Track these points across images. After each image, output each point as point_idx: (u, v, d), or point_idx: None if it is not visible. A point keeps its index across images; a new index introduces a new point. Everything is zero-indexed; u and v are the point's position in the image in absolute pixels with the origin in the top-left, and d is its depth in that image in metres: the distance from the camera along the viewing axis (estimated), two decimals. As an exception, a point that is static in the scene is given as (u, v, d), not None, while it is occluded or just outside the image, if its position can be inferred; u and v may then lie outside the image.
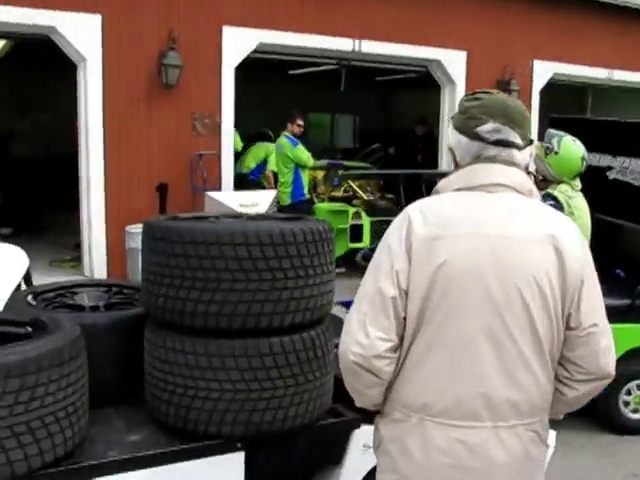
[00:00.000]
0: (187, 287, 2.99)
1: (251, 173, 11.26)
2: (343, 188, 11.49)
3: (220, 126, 9.75)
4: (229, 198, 7.30)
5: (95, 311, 3.60)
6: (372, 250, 2.61)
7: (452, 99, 11.87)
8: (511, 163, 2.27)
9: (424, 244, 2.15)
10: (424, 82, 15.48)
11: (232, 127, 9.93)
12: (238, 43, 9.71)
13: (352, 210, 9.68)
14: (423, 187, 10.79)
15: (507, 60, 12.12)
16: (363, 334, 2.17)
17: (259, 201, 7.35)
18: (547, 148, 5.92)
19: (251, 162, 11.32)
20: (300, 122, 9.85)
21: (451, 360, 2.16)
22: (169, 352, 3.07)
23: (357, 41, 10.65)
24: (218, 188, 9.69)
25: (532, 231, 2.18)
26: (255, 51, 10.04)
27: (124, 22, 8.92)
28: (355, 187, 11.28)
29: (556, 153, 5.85)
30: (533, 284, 2.14)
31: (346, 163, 11.83)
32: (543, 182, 5.93)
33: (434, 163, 12.65)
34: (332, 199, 10.99)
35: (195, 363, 3.00)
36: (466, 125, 2.30)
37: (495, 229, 2.16)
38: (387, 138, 15.65)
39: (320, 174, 11.07)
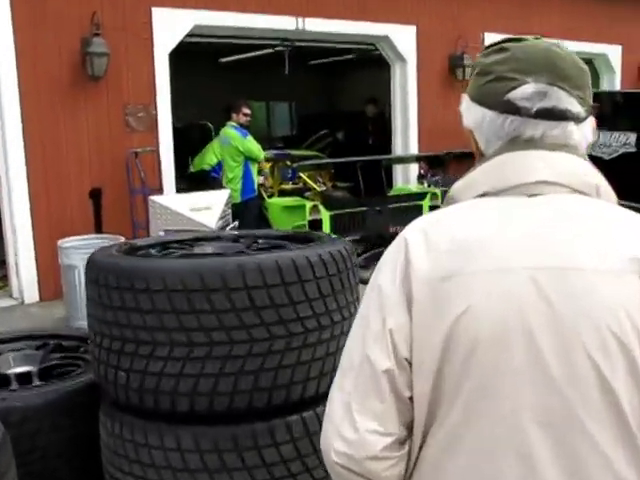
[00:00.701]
0: (162, 357, 2.00)
1: (213, 170, 10.18)
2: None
3: (156, 119, 8.65)
4: (177, 202, 6.27)
5: (25, 384, 2.56)
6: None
7: (403, 77, 11.03)
8: (563, 146, 1.40)
9: (431, 286, 1.33)
10: (366, 62, 14.78)
11: (170, 120, 8.84)
12: (171, 25, 8.62)
13: (309, 204, 8.73)
14: (383, 174, 9.95)
15: (457, 34, 11.31)
16: (348, 425, 1.36)
17: (212, 203, 6.34)
18: None
19: (212, 158, 10.25)
20: (247, 111, 8.92)
21: (484, 458, 1.30)
22: (135, 446, 2.09)
23: (301, 19, 9.66)
24: (159, 189, 8.59)
25: (606, 256, 1.29)
26: (189, 35, 8.96)
27: (38, 5, 7.73)
28: (305, 178, 10.34)
29: None
30: (612, 342, 1.26)
31: (293, 153, 10.87)
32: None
33: (387, 146, 11.81)
34: (282, 193, 10.01)
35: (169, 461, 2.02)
36: (491, 91, 1.43)
37: (545, 257, 1.30)
38: (330, 123, 14.76)
39: (267, 166, 10.07)
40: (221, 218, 6.24)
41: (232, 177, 8.71)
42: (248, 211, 8.73)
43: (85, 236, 7.52)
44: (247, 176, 8.75)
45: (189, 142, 10.71)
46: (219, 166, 10.21)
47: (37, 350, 2.90)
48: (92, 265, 2.18)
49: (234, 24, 9.13)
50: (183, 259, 2.07)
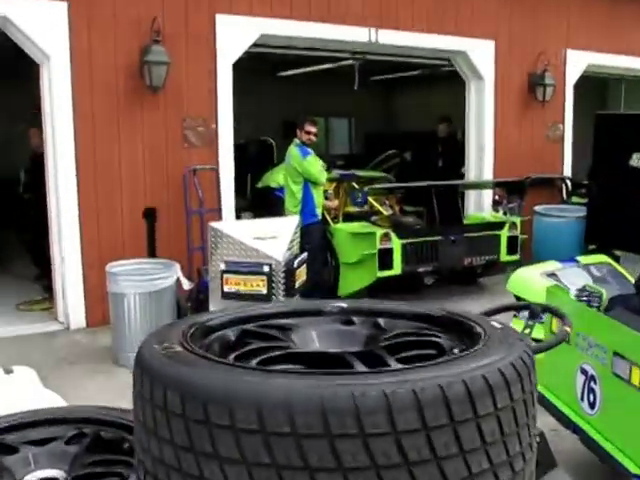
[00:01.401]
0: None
1: (279, 189, 9.43)
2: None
3: (217, 134, 7.96)
4: (239, 230, 5.52)
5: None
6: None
7: (479, 95, 10.17)
8: None
9: None
10: (433, 79, 14.01)
11: (231, 135, 8.13)
12: (236, 34, 7.93)
13: (380, 231, 7.90)
14: (459, 200, 9.10)
15: (538, 50, 10.43)
16: None
17: (279, 231, 5.58)
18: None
19: (281, 177, 9.53)
20: (310, 129, 7.98)
21: None
22: None
23: (374, 30, 8.89)
24: (218, 209, 7.91)
25: None
26: (255, 44, 8.27)
27: (95, 9, 7.10)
28: (372, 201, 9.53)
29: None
30: None
31: (359, 173, 10.09)
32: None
33: (458, 169, 10.97)
34: (346, 216, 9.20)
35: None
36: None
37: None
38: (395, 142, 13.94)
39: (330, 187, 9.30)
40: (289, 249, 5.48)
41: (291, 200, 7.93)
42: (310, 238, 7.90)
43: (136, 260, 6.84)
44: (307, 199, 7.91)
45: (249, 159, 10.01)
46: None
47: (68, 444, 2.12)
48: (143, 371, 1.40)
49: (303, 34, 8.42)
50: (293, 377, 1.28)
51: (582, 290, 4.69)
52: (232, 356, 1.48)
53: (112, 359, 6.45)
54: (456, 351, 1.49)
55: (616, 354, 3.70)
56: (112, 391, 5.64)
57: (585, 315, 4.12)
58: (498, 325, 1.62)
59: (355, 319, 1.79)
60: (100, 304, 7.00)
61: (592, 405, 3.95)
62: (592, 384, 3.98)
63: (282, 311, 1.83)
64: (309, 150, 7.93)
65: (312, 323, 1.75)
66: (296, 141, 8.01)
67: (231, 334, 1.66)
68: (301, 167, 7.83)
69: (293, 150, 7.97)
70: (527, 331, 2.85)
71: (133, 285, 6.31)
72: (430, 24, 9.38)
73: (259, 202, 8.57)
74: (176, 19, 7.56)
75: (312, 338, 1.65)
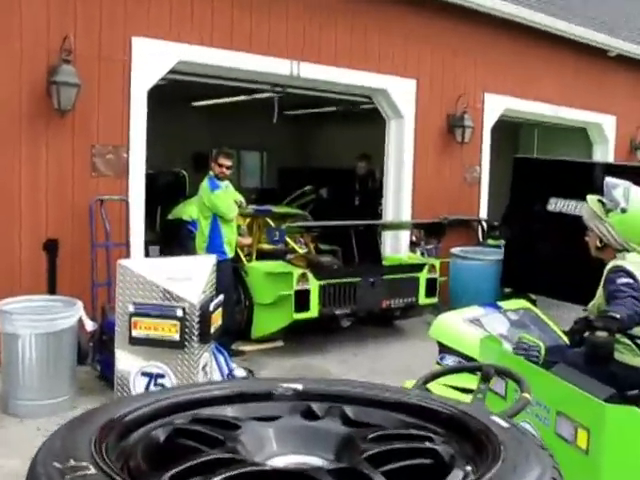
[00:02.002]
0: None
1: (191, 223, 8.93)
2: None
3: (128, 163, 7.44)
4: (150, 268, 5.03)
5: None
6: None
7: (399, 134, 9.99)
8: None
9: None
10: (351, 116, 13.87)
11: (143, 166, 7.63)
12: (153, 59, 7.47)
13: (297, 272, 7.53)
14: (379, 239, 8.86)
15: (458, 92, 10.39)
16: None
17: (194, 271, 5.13)
18: (608, 203, 4.13)
19: (194, 210, 9.03)
20: (223, 161, 7.48)
21: None
22: None
23: (296, 63, 8.60)
24: (125, 244, 7.37)
25: None
26: (171, 71, 7.83)
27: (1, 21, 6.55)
28: (287, 238, 9.14)
29: (623, 211, 4.04)
30: None
31: (275, 209, 9.72)
32: (602, 250, 4.15)
33: (374, 207, 10.77)
34: (261, 254, 8.78)
35: None
36: None
37: None
38: (310, 178, 13.68)
39: (244, 222, 8.88)
40: (204, 291, 5.03)
41: (200, 235, 7.46)
42: (219, 277, 7.43)
43: (33, 297, 6.22)
44: (214, 235, 7.41)
45: (159, 191, 9.49)
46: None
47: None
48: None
49: (224, 64, 8.03)
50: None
51: (519, 342, 4.42)
52: (166, 478, 1.06)
53: (1, 407, 5.78)
54: (468, 469, 1.12)
55: (560, 414, 3.44)
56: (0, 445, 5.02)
57: (525, 371, 3.84)
58: (502, 422, 1.26)
59: (315, 408, 1.40)
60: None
61: (530, 468, 3.66)
62: (531, 445, 3.70)
63: (222, 395, 1.42)
64: (218, 184, 7.47)
65: (263, 414, 1.35)
66: (210, 174, 7.58)
67: (160, 435, 1.25)
68: (209, 201, 7.39)
69: (204, 183, 7.54)
70: (480, 397, 2.52)
71: (29, 325, 5.69)
72: (352, 60, 9.18)
73: (169, 235, 8.04)
74: (89, 39, 7.05)
75: (267, 440, 1.25)
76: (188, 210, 9.07)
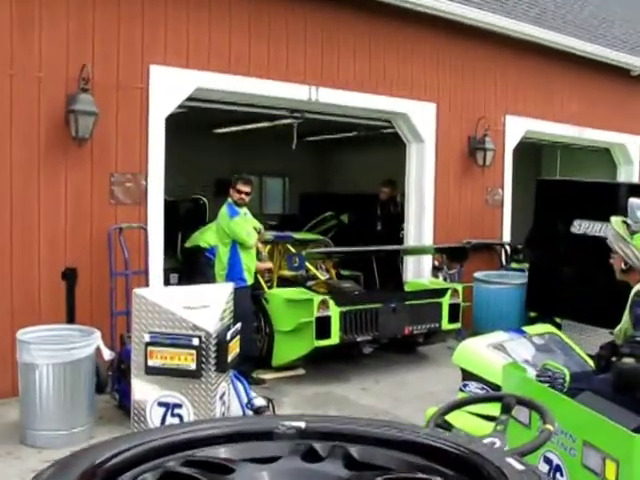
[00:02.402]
0: None
1: (209, 250, 8.90)
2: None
3: (146, 191, 7.42)
4: (167, 298, 4.96)
5: None
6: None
7: (420, 158, 9.91)
8: None
9: None
10: (372, 141, 13.82)
11: (162, 193, 7.60)
12: (170, 87, 7.47)
13: (318, 298, 7.43)
14: (400, 264, 8.75)
15: (479, 115, 10.30)
16: None
17: (211, 299, 5.05)
18: (632, 225, 4.01)
19: (211, 237, 9.00)
20: (242, 188, 7.47)
21: None
22: None
23: (314, 88, 8.57)
24: (144, 272, 7.34)
25: None
26: (190, 98, 7.83)
27: (20, 50, 6.57)
28: (308, 264, 9.07)
29: (646, 231, 3.91)
30: None
31: (296, 236, 9.66)
32: (627, 272, 4.02)
33: (395, 232, 10.66)
34: (281, 281, 8.71)
35: None
36: None
37: None
38: (332, 203, 13.62)
39: (265, 249, 8.82)
40: (221, 319, 4.95)
41: (219, 262, 7.42)
42: (238, 304, 7.34)
43: (51, 326, 6.18)
44: (234, 262, 7.36)
45: (180, 218, 9.46)
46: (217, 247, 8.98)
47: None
48: None
49: (241, 90, 8.01)
50: None
51: (543, 369, 4.29)
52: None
53: (19, 438, 5.71)
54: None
55: (586, 444, 3.30)
56: (15, 477, 4.94)
57: (549, 399, 3.71)
58: (517, 465, 1.16)
59: (319, 448, 1.31)
60: (10, 374, 6.29)
61: (558, 500, 3.53)
62: (558, 475, 3.57)
63: (217, 434, 1.33)
64: (238, 210, 7.45)
65: (262, 455, 1.26)
66: (229, 200, 7.55)
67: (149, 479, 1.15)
68: (228, 228, 7.36)
69: (223, 209, 7.51)
70: (500, 428, 2.41)
71: (46, 355, 5.63)
72: (371, 85, 9.15)
73: (188, 263, 7.99)
74: (107, 68, 7.07)
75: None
76: (206, 237, 9.03)
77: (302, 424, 1.40)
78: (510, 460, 1.18)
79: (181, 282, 9.38)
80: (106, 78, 7.03)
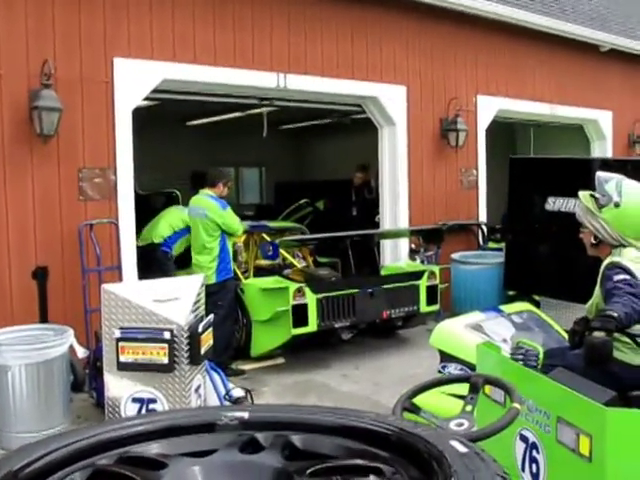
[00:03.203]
0: None
1: (164, 244, 8.84)
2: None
3: (116, 186, 7.32)
4: (137, 292, 4.89)
5: None
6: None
7: (392, 141, 9.86)
8: None
9: None
10: (345, 127, 13.78)
11: (131, 186, 7.52)
12: (136, 79, 7.37)
13: (294, 286, 7.39)
14: (376, 249, 8.71)
15: (450, 96, 10.27)
16: None
17: (181, 291, 4.99)
18: (600, 198, 3.97)
19: (166, 230, 8.90)
20: (231, 184, 7.90)
21: None
22: None
23: (282, 75, 8.49)
24: (118, 267, 7.26)
25: None
26: (155, 90, 7.72)
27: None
28: (284, 253, 9.03)
29: (616, 205, 3.89)
30: None
31: (270, 224, 9.59)
32: (597, 246, 3.99)
33: (371, 217, 10.63)
34: (258, 271, 8.67)
35: None
36: None
37: None
38: (307, 191, 13.56)
39: (241, 239, 8.75)
40: (193, 311, 4.89)
41: (205, 255, 7.39)
42: (226, 295, 7.40)
43: (23, 326, 6.08)
44: (224, 253, 7.46)
45: (152, 212, 9.34)
46: (173, 239, 8.91)
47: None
48: None
49: (209, 79, 7.92)
50: None
51: (517, 347, 4.27)
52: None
53: (-5, 441, 5.65)
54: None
55: (560, 420, 3.28)
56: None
57: (523, 377, 3.69)
58: (461, 448, 1.11)
59: (261, 438, 1.25)
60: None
61: (535, 476, 3.51)
62: (534, 452, 3.55)
63: (155, 429, 1.27)
64: (225, 202, 7.58)
65: (198, 449, 1.20)
66: (207, 192, 7.54)
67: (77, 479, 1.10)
68: (222, 219, 7.44)
69: (208, 202, 7.49)
70: (469, 408, 2.37)
71: (18, 355, 5.55)
72: (340, 70, 9.07)
73: (144, 261, 7.89)
74: (70, 62, 6.95)
75: (194, 479, 1.10)
76: (159, 231, 8.96)
77: (245, 414, 1.34)
78: (454, 443, 1.13)
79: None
80: (69, 73, 6.91)
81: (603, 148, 13.24)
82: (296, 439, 1.24)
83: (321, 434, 1.25)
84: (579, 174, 8.02)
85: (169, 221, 8.95)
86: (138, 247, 7.78)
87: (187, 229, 8.39)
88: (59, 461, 1.15)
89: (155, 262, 8.52)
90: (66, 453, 1.17)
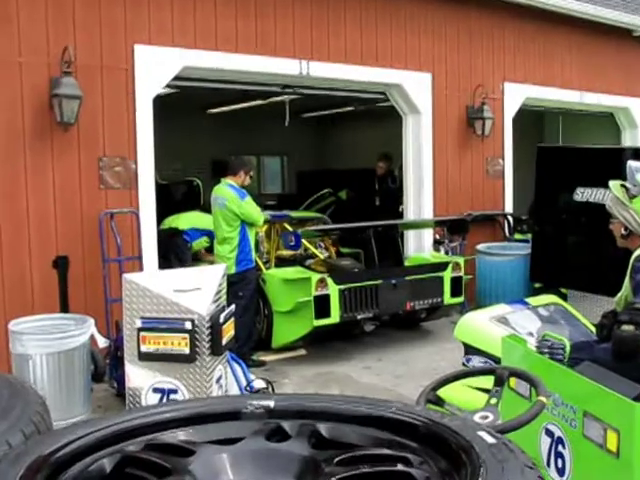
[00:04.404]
0: None
1: (186, 233, 8.93)
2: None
3: (137, 174, 7.38)
4: (158, 282, 4.94)
5: None
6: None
7: (417, 130, 9.84)
8: None
9: None
10: (370, 115, 13.78)
11: (152, 175, 7.58)
12: (157, 66, 7.41)
13: (316, 277, 7.43)
14: (400, 240, 8.72)
15: (476, 83, 10.22)
16: None
17: (203, 281, 5.03)
18: (631, 188, 3.96)
19: (190, 223, 9.01)
20: (252, 173, 7.92)
21: None
22: None
23: (305, 63, 8.50)
24: (138, 257, 7.32)
25: None
26: (177, 78, 7.76)
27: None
28: (306, 243, 9.07)
29: (647, 194, 3.86)
30: None
31: (292, 214, 9.63)
32: (627, 238, 3.97)
33: (395, 207, 10.62)
34: (280, 261, 8.73)
35: None
36: None
37: None
38: (329, 180, 13.58)
39: (262, 229, 8.81)
40: (214, 302, 4.93)
41: (225, 245, 7.44)
42: (246, 285, 7.43)
43: (44, 316, 6.16)
44: (244, 244, 7.49)
45: (173, 202, 9.46)
46: (194, 233, 9.01)
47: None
48: None
49: (230, 67, 7.94)
50: None
51: (543, 340, 4.26)
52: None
53: (16, 430, 5.73)
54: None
55: (587, 415, 3.28)
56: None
57: (549, 370, 3.69)
58: (489, 438, 1.13)
59: (287, 426, 1.28)
60: (5, 365, 6.28)
61: (561, 471, 3.51)
62: (560, 447, 3.55)
63: (182, 416, 1.30)
64: (245, 192, 7.62)
65: (225, 437, 1.23)
66: (228, 181, 7.58)
67: (106, 465, 1.13)
68: (241, 209, 7.45)
69: (227, 192, 7.52)
70: (493, 401, 2.39)
71: (39, 345, 5.62)
72: (363, 57, 9.06)
73: (163, 246, 8.00)
74: (90, 49, 7.01)
75: (221, 467, 1.13)
76: (184, 220, 9.06)
77: (271, 403, 1.37)
78: (481, 433, 1.15)
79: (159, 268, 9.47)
80: (89, 60, 6.97)
81: (635, 137, 13.10)
82: (323, 428, 1.27)
83: (348, 423, 1.27)
84: (609, 164, 7.98)
85: (197, 218, 9.13)
86: (159, 231, 7.89)
87: (207, 232, 8.52)
88: (88, 447, 1.18)
89: (174, 248, 8.63)
90: (94, 439, 1.20)
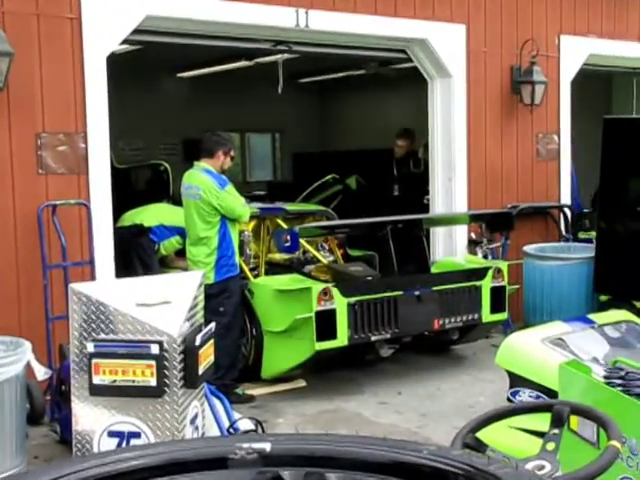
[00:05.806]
0: None
1: (152, 231, 9.00)
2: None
3: (87, 156, 7.42)
4: (114, 293, 4.95)
5: None
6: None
7: (447, 99, 9.90)
8: None
9: None
10: (382, 80, 13.86)
11: (107, 157, 7.62)
12: (111, 17, 7.46)
13: (318, 287, 7.47)
14: (424, 241, 8.78)
15: (524, 37, 10.28)
16: None
17: (173, 293, 5.02)
18: None
19: (155, 218, 9.07)
20: (233, 154, 7.94)
21: None
22: None
23: (302, 11, 8.55)
24: (89, 262, 7.37)
25: None
26: (138, 31, 7.80)
27: None
28: (305, 244, 9.12)
29: None
30: None
31: (288, 207, 9.67)
32: None
33: (418, 197, 10.69)
34: (272, 266, 8.78)
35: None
36: None
37: None
38: (332, 163, 13.67)
39: (249, 226, 8.86)
40: (188, 319, 4.94)
41: (201, 246, 7.47)
42: (229, 299, 7.47)
43: (-34, 338, 6.19)
44: (226, 244, 7.52)
45: (135, 191, 9.54)
46: (161, 232, 9.08)
47: None
48: None
49: (207, 17, 7.99)
50: None
51: (614, 369, 4.28)
52: None
53: None
54: None
55: (675, 467, 3.32)
56: None
57: (623, 408, 3.72)
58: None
59: (287, 477, 1.27)
60: None
61: (639, 538, 3.56)
62: (638, 508, 3.60)
63: (155, 464, 1.29)
64: (225, 179, 7.63)
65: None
66: (202, 165, 7.60)
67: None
68: (220, 200, 7.48)
69: (202, 178, 7.55)
70: (550, 446, 2.38)
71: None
72: (378, 4, 9.11)
73: (121, 247, 8.06)
74: (24, -4, 7.08)
75: None
76: (149, 214, 9.11)
77: (267, 446, 1.36)
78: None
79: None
80: (22, 6, 7.04)
81: None
82: (334, 478, 1.26)
83: (366, 472, 1.26)
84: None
85: (158, 213, 9.20)
86: (117, 228, 7.94)
87: (178, 230, 8.70)
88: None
89: (137, 250, 8.69)
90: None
